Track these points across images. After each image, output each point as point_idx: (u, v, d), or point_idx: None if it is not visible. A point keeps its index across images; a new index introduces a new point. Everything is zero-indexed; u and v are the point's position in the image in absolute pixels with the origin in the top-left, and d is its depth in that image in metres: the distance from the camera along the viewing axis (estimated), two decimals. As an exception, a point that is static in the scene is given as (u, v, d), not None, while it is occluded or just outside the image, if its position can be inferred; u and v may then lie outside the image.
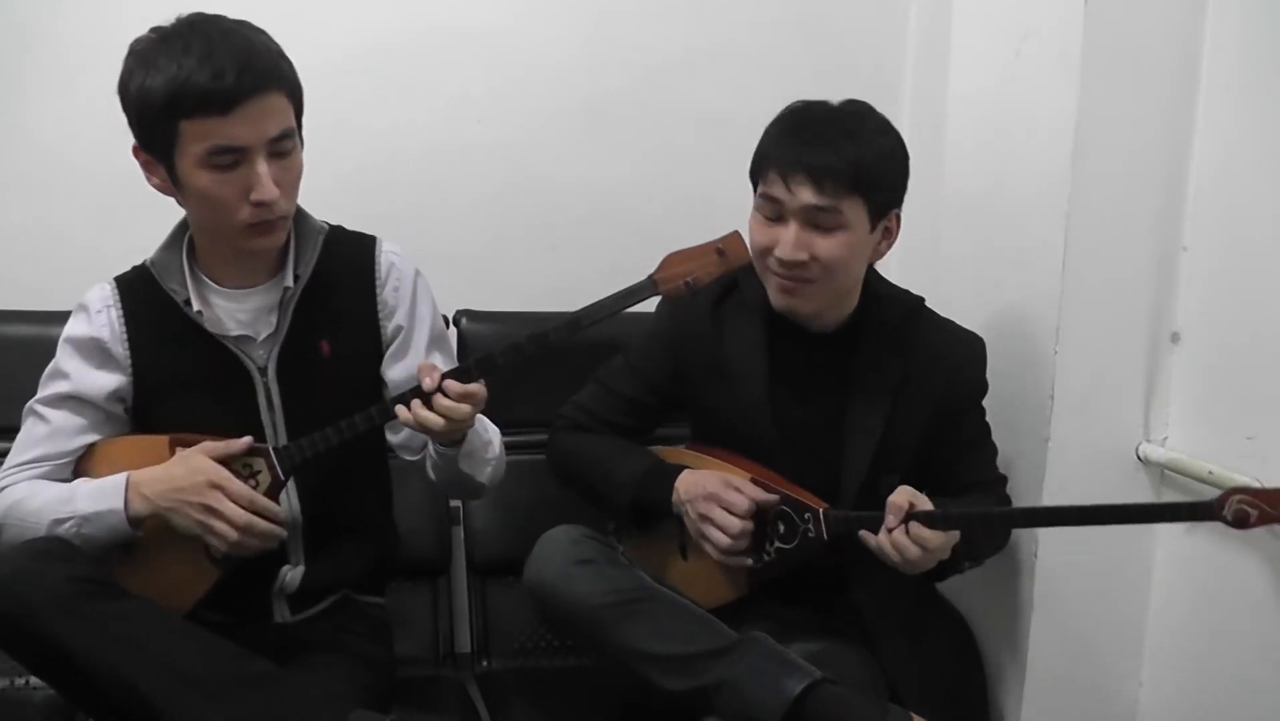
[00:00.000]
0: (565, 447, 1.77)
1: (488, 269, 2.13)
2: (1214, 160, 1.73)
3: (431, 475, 1.61)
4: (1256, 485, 1.40)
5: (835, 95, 2.23)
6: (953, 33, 2.08)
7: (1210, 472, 1.68)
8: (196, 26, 1.41)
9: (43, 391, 1.57)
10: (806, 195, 1.53)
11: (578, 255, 2.20)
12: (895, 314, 1.66)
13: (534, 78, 2.14)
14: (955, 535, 1.52)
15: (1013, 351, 1.82)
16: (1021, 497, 1.77)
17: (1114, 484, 1.81)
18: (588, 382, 1.79)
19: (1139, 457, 1.81)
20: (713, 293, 1.68)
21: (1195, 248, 1.76)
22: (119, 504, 1.46)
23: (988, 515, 1.61)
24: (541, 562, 1.56)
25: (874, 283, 1.67)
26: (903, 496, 1.50)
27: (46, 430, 1.55)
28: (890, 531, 1.49)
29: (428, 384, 1.43)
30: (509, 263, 2.17)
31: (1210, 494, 1.69)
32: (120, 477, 1.48)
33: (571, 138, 2.17)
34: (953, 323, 1.71)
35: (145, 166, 1.49)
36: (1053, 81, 1.76)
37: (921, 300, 1.70)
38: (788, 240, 1.55)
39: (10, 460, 1.56)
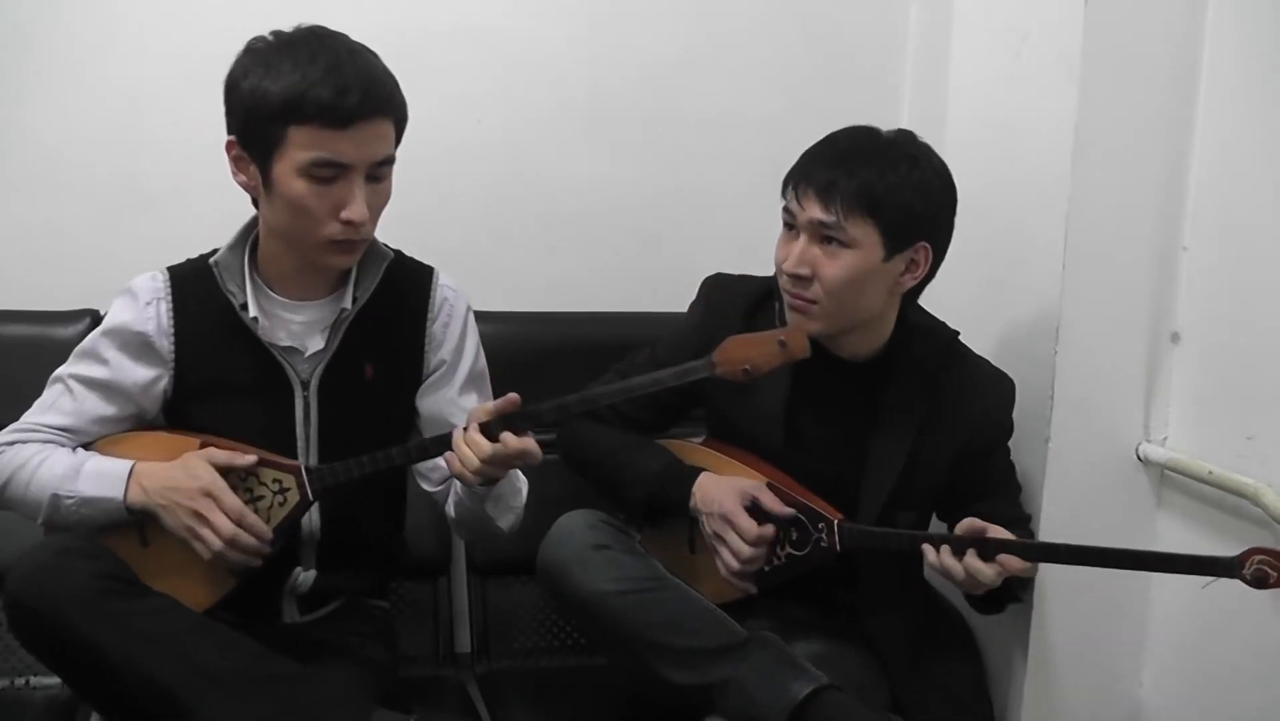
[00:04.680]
0: (580, 436, 1.78)
1: (488, 268, 2.12)
2: (1213, 160, 1.73)
3: (451, 512, 1.61)
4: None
5: (835, 95, 2.26)
6: (953, 33, 2.08)
7: (1210, 472, 1.68)
8: (324, 40, 1.43)
9: (75, 366, 1.56)
10: (814, 210, 1.54)
11: (578, 255, 2.20)
12: (927, 348, 1.65)
13: (534, 77, 2.14)
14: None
15: (1013, 351, 1.82)
16: (1021, 498, 1.76)
17: (1114, 484, 1.81)
18: (608, 373, 1.79)
19: (1139, 457, 1.81)
20: (747, 301, 1.69)
21: (1195, 247, 1.76)
22: (118, 492, 1.47)
23: (1051, 548, 1.58)
24: (557, 545, 1.55)
25: (910, 314, 1.66)
26: (976, 525, 1.51)
27: (72, 406, 1.55)
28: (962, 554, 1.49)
29: (479, 418, 1.44)
30: (509, 262, 2.17)
31: (1209, 494, 1.71)
32: (125, 465, 1.49)
33: (572, 137, 2.17)
34: (985, 361, 1.70)
35: (235, 162, 1.49)
36: (1053, 81, 1.76)
37: (955, 335, 1.69)
38: (794, 254, 1.56)
39: (30, 416, 1.56)
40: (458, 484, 1.55)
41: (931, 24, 2.17)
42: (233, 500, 1.44)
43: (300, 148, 1.40)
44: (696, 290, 1.77)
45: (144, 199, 2.02)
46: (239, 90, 1.43)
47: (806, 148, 1.61)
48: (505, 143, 2.14)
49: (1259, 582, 1.42)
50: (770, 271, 1.67)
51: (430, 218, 2.09)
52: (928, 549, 1.52)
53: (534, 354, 1.95)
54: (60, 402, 1.55)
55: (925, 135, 1.63)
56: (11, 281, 1.98)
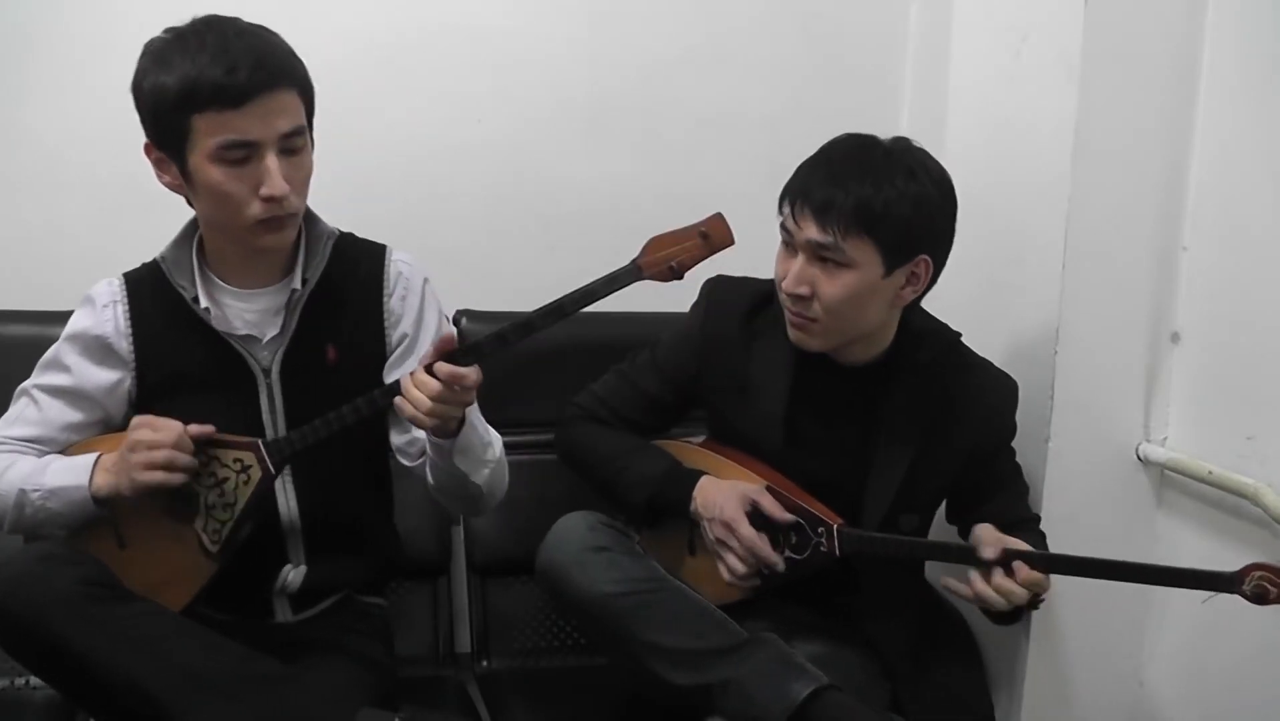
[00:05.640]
0: (579, 438, 1.77)
1: (488, 268, 2.12)
2: (1213, 160, 1.73)
3: (430, 479, 1.60)
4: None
5: (835, 95, 2.25)
6: (953, 33, 2.09)
7: (1210, 472, 1.68)
8: (212, 25, 1.43)
9: (39, 377, 1.58)
10: (811, 231, 1.52)
11: (577, 255, 2.18)
12: (930, 352, 1.64)
13: (534, 77, 2.14)
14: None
15: (1013, 351, 1.82)
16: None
17: (1114, 484, 1.81)
18: (607, 374, 1.78)
19: (1139, 457, 1.81)
20: (747, 302, 1.69)
21: (1195, 247, 1.76)
22: (84, 480, 1.47)
23: (1070, 560, 1.57)
24: (556, 547, 1.56)
25: (912, 318, 1.65)
26: (992, 534, 1.52)
27: (38, 415, 1.56)
28: (990, 566, 1.49)
29: (419, 365, 1.43)
30: (509, 262, 2.17)
31: (1210, 494, 1.71)
32: (90, 456, 1.50)
33: (572, 137, 2.17)
34: (988, 363, 1.69)
35: (157, 165, 1.50)
36: (1053, 81, 1.76)
37: (957, 337, 1.68)
38: (793, 273, 1.55)
39: None
40: (430, 448, 1.54)
41: (931, 24, 2.17)
42: (165, 420, 1.45)
43: (206, 134, 1.41)
44: (697, 291, 1.77)
45: (144, 199, 1.99)
46: (142, 91, 1.45)
47: (806, 150, 1.59)
48: (505, 143, 2.14)
49: (1259, 598, 1.43)
50: (769, 272, 1.67)
51: (430, 218, 2.09)
52: (971, 580, 1.51)
53: (534, 354, 1.95)
54: (26, 413, 1.57)
55: (925, 136, 1.63)
56: (11, 281, 1.98)
